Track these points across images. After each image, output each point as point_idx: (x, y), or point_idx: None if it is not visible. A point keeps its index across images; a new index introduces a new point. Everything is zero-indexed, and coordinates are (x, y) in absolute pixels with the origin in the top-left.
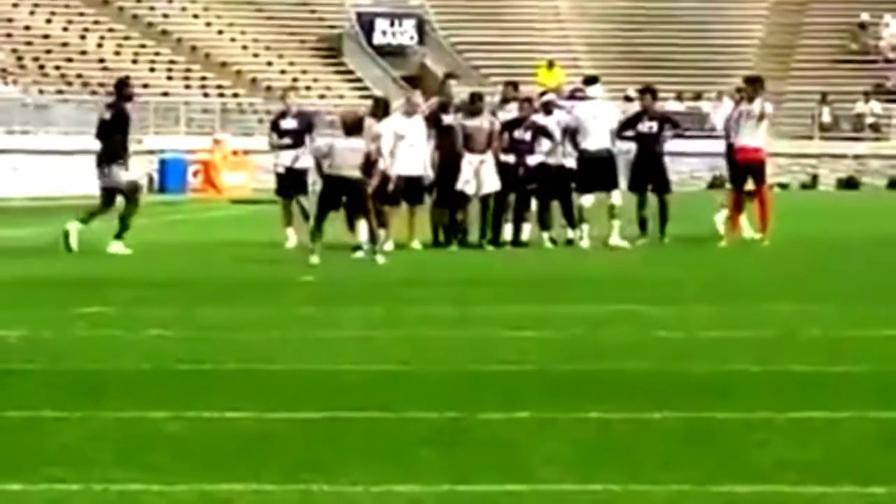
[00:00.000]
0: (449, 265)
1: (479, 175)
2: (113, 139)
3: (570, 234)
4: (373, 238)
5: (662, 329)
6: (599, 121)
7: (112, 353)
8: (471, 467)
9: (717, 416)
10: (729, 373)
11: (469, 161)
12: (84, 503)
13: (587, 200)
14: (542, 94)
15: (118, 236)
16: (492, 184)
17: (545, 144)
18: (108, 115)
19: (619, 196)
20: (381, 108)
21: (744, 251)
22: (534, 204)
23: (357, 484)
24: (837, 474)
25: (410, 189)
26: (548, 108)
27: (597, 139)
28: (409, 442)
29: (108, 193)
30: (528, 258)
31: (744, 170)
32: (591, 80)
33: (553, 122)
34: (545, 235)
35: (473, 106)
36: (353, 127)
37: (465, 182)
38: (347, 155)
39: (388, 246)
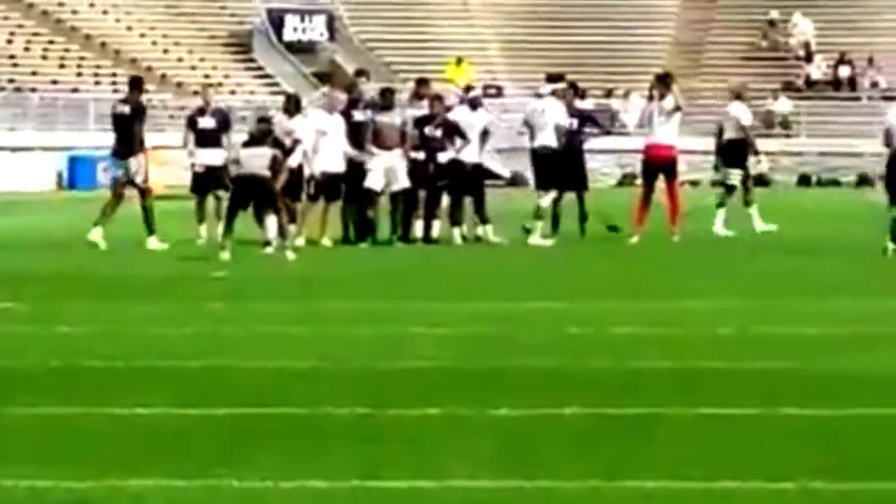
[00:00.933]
0: (359, 262)
1: (389, 172)
2: (131, 133)
3: (480, 230)
4: (282, 234)
5: (574, 325)
6: (548, 118)
7: (21, 349)
8: (381, 463)
9: (627, 412)
10: (640, 369)
11: (379, 158)
12: None
13: (545, 200)
14: (467, 89)
15: (152, 232)
16: (402, 181)
17: (458, 141)
18: (126, 110)
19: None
20: (293, 105)
21: (656, 248)
22: (445, 200)
23: (267, 479)
24: (747, 470)
25: (330, 185)
26: (473, 104)
27: (546, 136)
28: (320, 437)
29: (122, 187)
30: (439, 255)
31: (655, 167)
32: (553, 79)
33: (479, 119)
34: (456, 232)
35: (385, 101)
36: (258, 139)
37: (374, 179)
38: (254, 161)
39: (299, 242)
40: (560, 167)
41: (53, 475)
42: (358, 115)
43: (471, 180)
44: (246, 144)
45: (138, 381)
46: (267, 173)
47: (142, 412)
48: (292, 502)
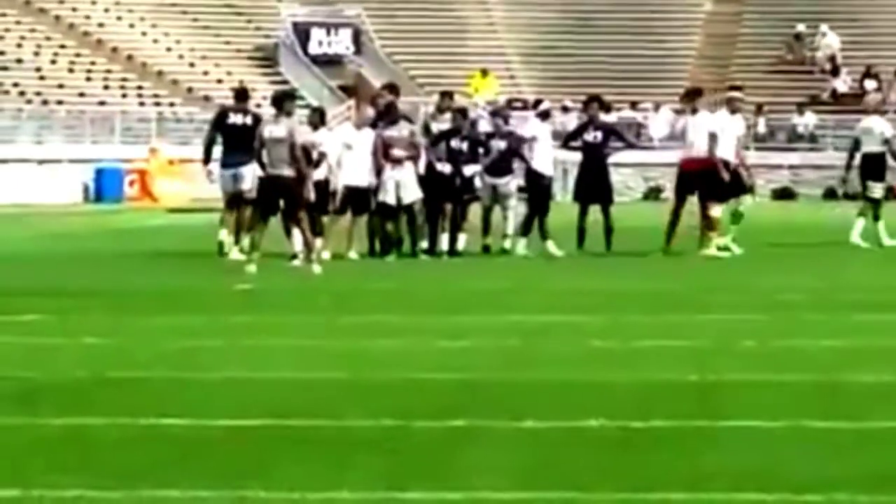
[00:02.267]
0: (384, 275)
1: (399, 186)
2: (249, 145)
3: (507, 243)
4: (307, 247)
5: (598, 339)
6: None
7: (47, 360)
8: (406, 475)
9: (652, 424)
10: (664, 382)
11: (389, 172)
12: None
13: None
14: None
15: (238, 241)
16: (413, 193)
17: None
18: (248, 121)
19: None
20: (318, 118)
21: (681, 261)
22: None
23: (294, 490)
24: (772, 482)
25: (356, 199)
26: (544, 116)
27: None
28: (346, 449)
29: (236, 198)
30: (465, 268)
31: (689, 181)
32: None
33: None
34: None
35: (390, 115)
36: (278, 103)
37: (386, 193)
38: (276, 150)
39: (325, 255)
40: (581, 180)
41: (80, 485)
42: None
43: (547, 193)
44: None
45: (164, 393)
46: (291, 172)
47: (167, 423)
48: None
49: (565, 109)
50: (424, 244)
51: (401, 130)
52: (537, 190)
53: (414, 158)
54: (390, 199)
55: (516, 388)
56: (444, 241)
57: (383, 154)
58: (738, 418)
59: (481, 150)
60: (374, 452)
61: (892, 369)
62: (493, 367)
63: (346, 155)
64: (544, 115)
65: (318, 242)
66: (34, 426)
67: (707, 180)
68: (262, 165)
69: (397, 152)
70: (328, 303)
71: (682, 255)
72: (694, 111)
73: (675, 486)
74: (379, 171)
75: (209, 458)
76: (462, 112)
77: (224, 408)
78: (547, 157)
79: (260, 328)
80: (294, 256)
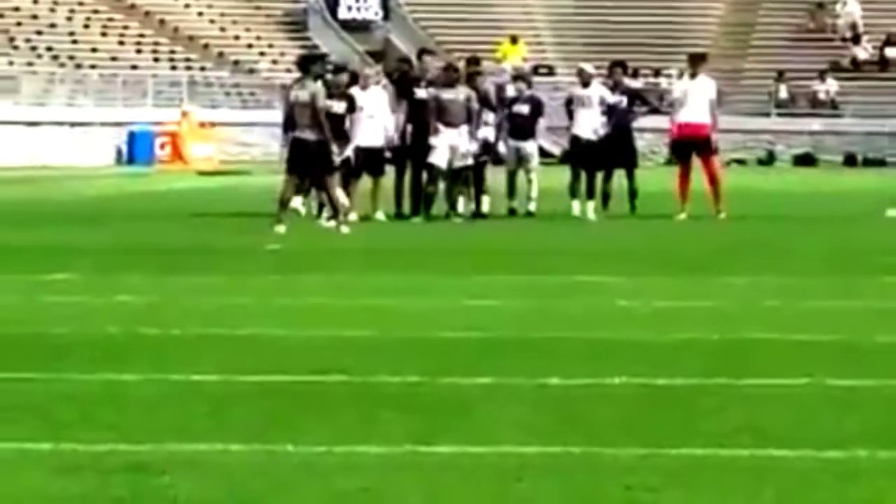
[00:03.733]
0: (412, 236)
1: (453, 149)
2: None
3: (532, 206)
4: (335, 208)
5: (622, 299)
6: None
7: (80, 317)
8: (433, 430)
9: (674, 382)
10: (688, 341)
11: (444, 134)
12: (52, 461)
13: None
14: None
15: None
16: (465, 157)
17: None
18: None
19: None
20: (350, 79)
21: (703, 225)
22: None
23: (321, 445)
24: (794, 439)
25: (371, 160)
26: (586, 82)
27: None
28: (373, 405)
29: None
30: (490, 229)
31: (686, 145)
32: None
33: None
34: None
35: (448, 78)
36: (304, 66)
37: (439, 156)
38: (301, 113)
39: (353, 217)
40: (606, 145)
41: (111, 440)
42: (420, 93)
43: (589, 155)
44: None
45: (194, 349)
46: (315, 136)
47: (198, 379)
48: (346, 467)
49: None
50: (461, 207)
51: (458, 94)
52: (574, 152)
53: (469, 122)
54: (442, 161)
55: (540, 346)
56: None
57: (437, 117)
58: (759, 376)
59: (493, 114)
60: (401, 408)
61: None
62: (518, 326)
63: (358, 116)
64: (585, 81)
65: (346, 204)
66: (68, 381)
67: (705, 143)
68: (291, 128)
69: (453, 115)
70: (356, 262)
71: (702, 219)
72: (694, 76)
73: (697, 442)
74: (421, 135)
75: (239, 413)
76: (472, 75)
77: (254, 364)
78: (586, 122)
79: (289, 287)
80: (319, 213)
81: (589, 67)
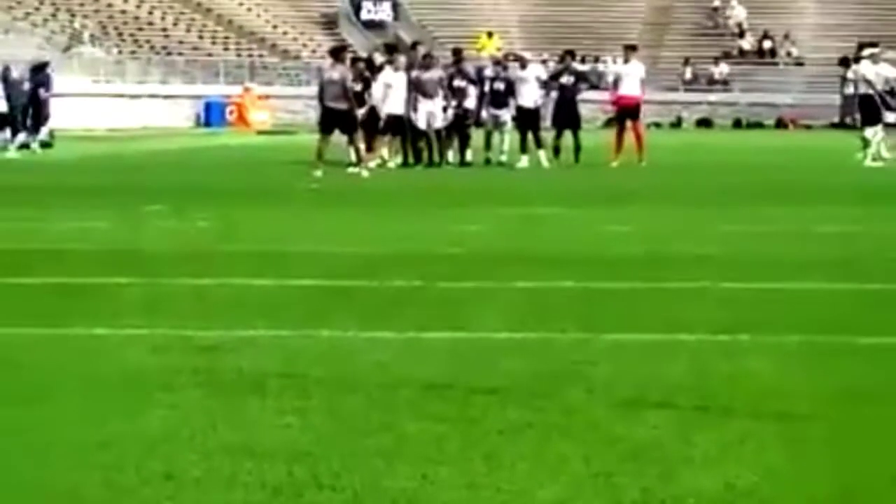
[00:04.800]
0: (416, 179)
1: (430, 115)
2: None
3: (503, 157)
4: (359, 158)
5: (570, 224)
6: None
7: (170, 238)
8: (429, 321)
9: (612, 285)
10: (620, 254)
11: (423, 104)
12: (147, 343)
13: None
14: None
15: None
16: (440, 120)
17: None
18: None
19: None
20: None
21: (630, 170)
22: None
23: (349, 331)
24: (696, 326)
25: (395, 123)
26: (523, 64)
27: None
28: (387, 303)
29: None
30: (475, 175)
31: (624, 112)
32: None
33: (530, 73)
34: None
35: (426, 62)
36: (335, 54)
37: (420, 120)
38: (332, 88)
39: (372, 164)
40: (557, 111)
41: (192, 327)
42: (415, 74)
43: (532, 120)
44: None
45: (256, 262)
46: (344, 106)
47: (257, 283)
48: (367, 347)
49: (544, 62)
50: (450, 158)
51: (432, 75)
52: (522, 118)
53: (442, 95)
54: (422, 124)
55: (511, 259)
56: (450, 156)
57: (418, 91)
58: (673, 281)
59: (474, 89)
60: (406, 305)
61: (791, 247)
62: (495, 244)
63: (388, 91)
64: (522, 64)
65: (367, 155)
66: (160, 285)
67: (635, 110)
68: (322, 99)
69: (429, 90)
70: (374, 198)
71: (629, 166)
72: (627, 61)
73: (626, 329)
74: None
75: (286, 308)
76: (461, 60)
77: (299, 272)
78: (527, 94)
79: (324, 216)
80: (350, 164)
81: (527, 55)
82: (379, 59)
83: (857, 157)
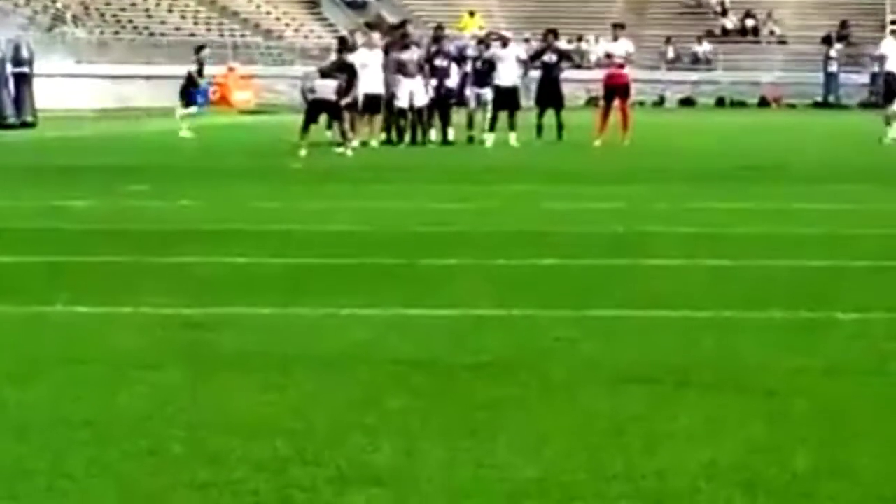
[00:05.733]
0: (397, 157)
1: (411, 94)
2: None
3: (487, 136)
4: (343, 137)
5: (553, 202)
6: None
7: (154, 218)
8: (415, 298)
9: (591, 262)
10: (599, 233)
11: (403, 83)
12: (131, 321)
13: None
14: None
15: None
16: (421, 99)
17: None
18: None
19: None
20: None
21: (613, 150)
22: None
23: (330, 307)
24: (679, 302)
25: (371, 103)
26: (504, 43)
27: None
28: (370, 280)
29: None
30: (457, 153)
31: (613, 90)
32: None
33: (510, 53)
34: (489, 136)
35: (404, 42)
36: (328, 74)
37: (401, 99)
38: (326, 90)
39: (355, 143)
40: (540, 90)
41: (177, 305)
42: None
43: (510, 99)
44: (321, 76)
45: (239, 239)
46: (334, 97)
47: (240, 261)
48: (349, 325)
49: (526, 41)
50: (432, 136)
51: (411, 54)
52: (500, 97)
53: (421, 74)
54: (404, 103)
55: (492, 236)
56: (432, 134)
57: (397, 70)
58: (654, 258)
59: (456, 67)
60: (392, 281)
61: (757, 226)
62: (476, 222)
63: (363, 71)
64: (504, 43)
65: (351, 135)
66: (143, 263)
67: (625, 89)
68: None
69: (409, 69)
70: (357, 176)
71: (612, 145)
72: (615, 39)
73: (607, 305)
74: (393, 83)
75: (269, 286)
76: (442, 38)
77: (281, 250)
78: (506, 73)
79: (307, 194)
80: (335, 144)
81: (506, 34)
82: (360, 39)
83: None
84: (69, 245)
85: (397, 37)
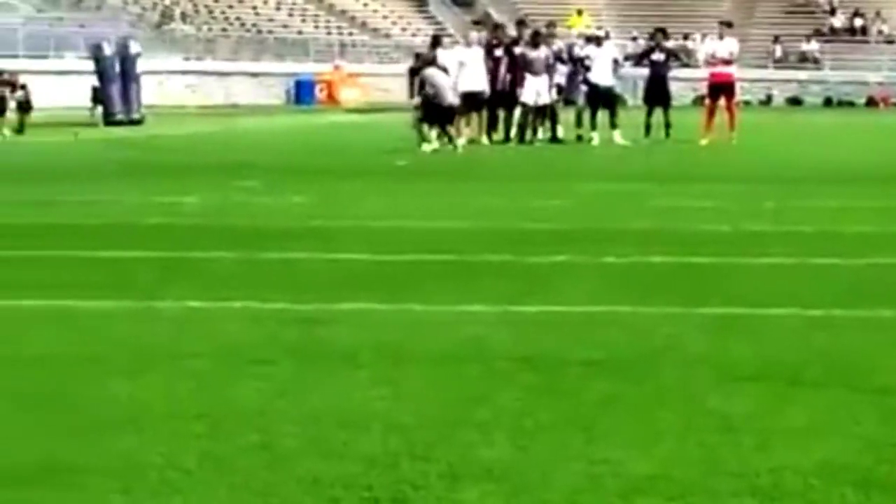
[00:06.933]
0: (507, 155)
1: (537, 92)
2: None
3: (594, 134)
4: (450, 138)
5: (658, 199)
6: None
7: (265, 213)
8: (521, 294)
9: (700, 260)
10: (708, 231)
11: (530, 81)
12: (244, 315)
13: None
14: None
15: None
16: (545, 98)
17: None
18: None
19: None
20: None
21: (718, 147)
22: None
23: (439, 304)
24: (786, 301)
25: (474, 100)
26: (598, 42)
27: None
28: (478, 276)
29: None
30: (561, 150)
31: (718, 88)
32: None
33: (605, 52)
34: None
35: (534, 41)
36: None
37: (527, 96)
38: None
39: (462, 141)
40: (648, 89)
41: (288, 300)
42: (497, 52)
43: (606, 98)
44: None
45: (348, 236)
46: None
47: (350, 257)
48: (459, 321)
49: (634, 39)
50: (540, 135)
51: (539, 53)
52: (596, 96)
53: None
54: (529, 100)
55: (600, 233)
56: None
57: (524, 68)
58: (761, 257)
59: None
60: (498, 278)
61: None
62: (583, 219)
63: (462, 69)
64: (598, 42)
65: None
66: (256, 259)
67: (731, 87)
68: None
69: (537, 67)
70: (464, 174)
71: (720, 144)
72: (721, 37)
73: (717, 303)
74: (517, 81)
75: (378, 282)
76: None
77: (389, 246)
78: (601, 72)
79: (413, 191)
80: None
81: (601, 33)
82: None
83: None
84: (180, 240)
85: (522, 34)
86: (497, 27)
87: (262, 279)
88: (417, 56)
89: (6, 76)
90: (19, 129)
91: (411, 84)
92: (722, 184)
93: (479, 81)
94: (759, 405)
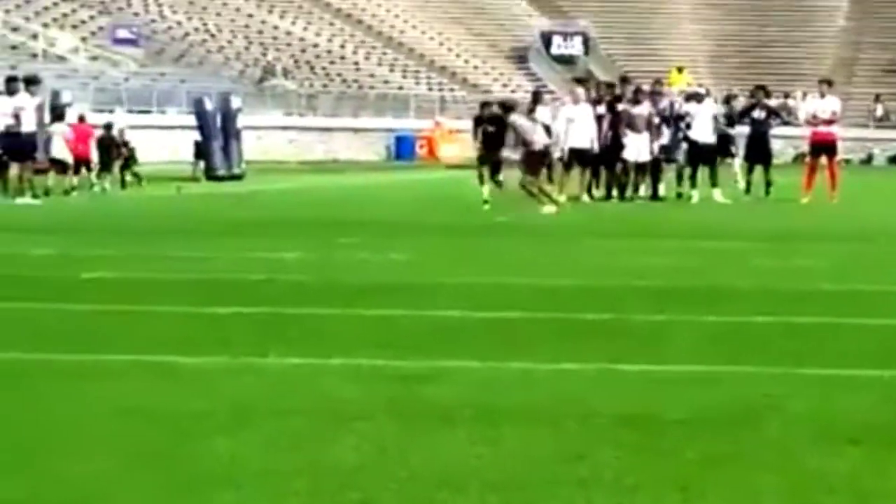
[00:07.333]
0: (607, 212)
1: (638, 149)
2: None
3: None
4: (546, 193)
5: (760, 258)
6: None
7: (363, 270)
8: (621, 353)
9: (803, 320)
10: (809, 290)
11: (631, 138)
12: (343, 372)
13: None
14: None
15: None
16: (646, 155)
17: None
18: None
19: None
20: (535, 99)
21: (819, 206)
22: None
23: (537, 363)
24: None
25: (580, 156)
26: (699, 99)
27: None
28: (578, 335)
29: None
30: (664, 208)
31: (820, 147)
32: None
33: (705, 109)
34: (694, 192)
35: (636, 97)
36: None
37: (629, 153)
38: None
39: (562, 198)
40: (749, 146)
41: (388, 356)
42: (600, 110)
43: (707, 155)
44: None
45: (446, 293)
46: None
47: (449, 314)
48: (555, 380)
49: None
50: (641, 192)
51: (642, 110)
52: (696, 152)
53: (650, 130)
54: (631, 157)
55: (701, 292)
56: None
57: (627, 125)
58: (864, 317)
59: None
60: (598, 337)
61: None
62: (684, 278)
63: (570, 125)
64: (699, 99)
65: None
66: (354, 315)
67: (832, 146)
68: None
69: (638, 124)
70: (564, 232)
71: (821, 202)
72: (823, 96)
73: (818, 363)
74: (619, 137)
75: (477, 339)
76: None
77: (488, 303)
78: (701, 129)
79: (511, 248)
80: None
81: (701, 90)
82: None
83: None
84: (281, 296)
85: (612, 93)
86: (608, 85)
87: (362, 335)
88: (484, 105)
89: (114, 132)
90: (122, 184)
91: (475, 133)
92: (823, 243)
93: (587, 138)
94: (860, 466)
